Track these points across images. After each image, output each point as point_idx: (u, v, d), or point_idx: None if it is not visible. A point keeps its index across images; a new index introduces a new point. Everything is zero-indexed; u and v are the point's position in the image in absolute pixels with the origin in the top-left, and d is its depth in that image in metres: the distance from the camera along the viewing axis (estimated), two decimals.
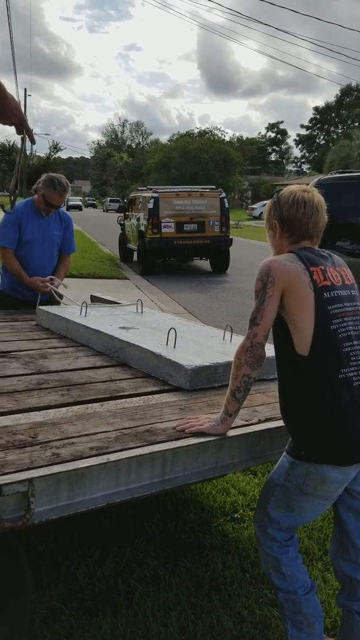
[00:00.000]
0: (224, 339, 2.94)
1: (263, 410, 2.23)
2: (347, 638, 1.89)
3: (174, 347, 2.66)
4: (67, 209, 52.25)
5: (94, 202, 71.34)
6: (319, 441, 1.75)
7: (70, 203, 50.56)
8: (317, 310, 1.76)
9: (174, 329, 2.71)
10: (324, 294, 1.78)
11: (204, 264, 14.57)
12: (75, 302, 3.66)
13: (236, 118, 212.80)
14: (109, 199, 59.46)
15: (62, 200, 3.82)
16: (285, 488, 1.84)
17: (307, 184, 2.36)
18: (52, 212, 3.88)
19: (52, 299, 3.85)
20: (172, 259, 14.16)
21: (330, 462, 1.74)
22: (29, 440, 1.79)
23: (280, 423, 2.10)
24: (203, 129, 61.01)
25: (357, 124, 60.55)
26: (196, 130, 59.98)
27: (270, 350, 2.80)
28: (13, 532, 1.59)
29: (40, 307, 3.59)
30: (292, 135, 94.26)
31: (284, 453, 1.89)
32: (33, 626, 2.03)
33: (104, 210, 54.93)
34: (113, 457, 1.70)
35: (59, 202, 3.82)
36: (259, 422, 2.10)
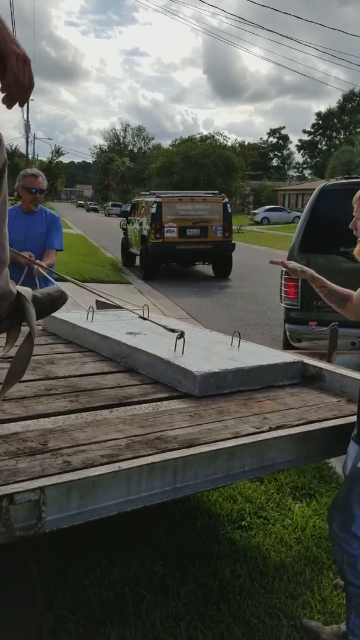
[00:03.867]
0: (231, 344, 2.92)
1: (274, 417, 2.20)
2: None
3: (182, 353, 2.65)
4: (87, 210, 58.92)
5: (96, 206, 71.39)
6: None
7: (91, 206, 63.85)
8: None
9: (182, 335, 2.69)
10: None
11: (207, 268, 14.56)
12: (82, 306, 3.65)
13: (241, 123, 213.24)
14: (110, 203, 59.51)
15: (40, 182, 4.06)
16: None
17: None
18: (39, 200, 4.09)
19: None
20: (174, 263, 14.16)
21: None
22: (40, 447, 1.77)
23: (292, 431, 2.09)
24: (205, 134, 61.10)
25: (359, 129, 60.66)
26: (198, 136, 60.02)
27: (279, 357, 2.80)
28: (24, 541, 1.57)
29: None
30: (295, 140, 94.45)
31: (352, 444, 1.96)
32: (41, 635, 2.01)
33: (105, 215, 55.00)
34: (124, 465, 1.68)
35: (39, 184, 4.06)
36: (270, 429, 2.08)
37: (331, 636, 2.07)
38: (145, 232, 13.29)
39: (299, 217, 5.56)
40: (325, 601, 2.35)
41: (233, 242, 13.69)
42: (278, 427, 2.10)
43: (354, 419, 2.21)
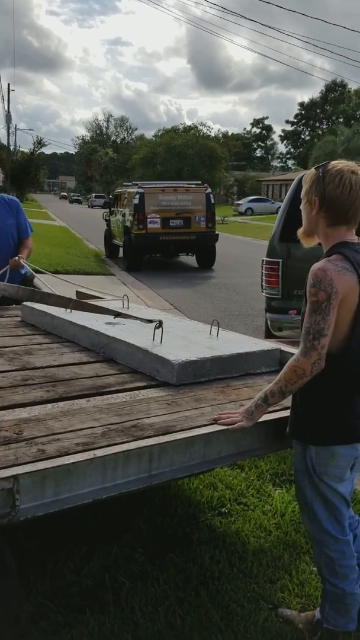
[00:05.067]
0: (210, 333, 2.93)
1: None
2: None
3: (161, 342, 2.65)
4: (71, 202, 60.12)
5: (79, 198, 70.88)
6: (329, 424, 1.90)
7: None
8: (356, 315, 1.82)
9: (161, 324, 2.69)
10: None
11: (190, 259, 14.55)
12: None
13: (225, 113, 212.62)
14: (94, 194, 59.09)
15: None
16: (309, 475, 1.95)
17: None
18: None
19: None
20: (158, 254, 14.13)
21: (338, 442, 1.90)
22: (14, 436, 1.77)
23: (267, 417, 2.11)
24: (189, 124, 60.86)
25: (341, 119, 60.85)
26: (181, 126, 59.73)
27: (257, 345, 2.81)
28: None
29: (25, 303, 3.55)
30: (279, 131, 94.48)
31: (294, 442, 2.00)
32: (20, 624, 2.01)
33: (89, 207, 54.64)
34: (100, 452, 1.68)
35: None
36: None
37: (306, 623, 2.10)
38: (128, 223, 13.24)
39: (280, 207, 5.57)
40: (303, 584, 2.38)
41: (216, 232, 13.69)
42: None
43: None
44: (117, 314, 3.14)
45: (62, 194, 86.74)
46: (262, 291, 5.42)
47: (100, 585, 2.27)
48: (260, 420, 2.07)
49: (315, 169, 1.91)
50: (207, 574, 2.39)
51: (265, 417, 2.10)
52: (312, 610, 2.19)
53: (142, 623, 2.07)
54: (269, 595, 2.30)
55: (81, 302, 3.36)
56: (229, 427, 1.94)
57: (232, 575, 2.39)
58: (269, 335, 5.36)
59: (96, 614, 2.10)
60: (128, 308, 3.55)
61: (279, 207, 6.13)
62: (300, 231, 2.01)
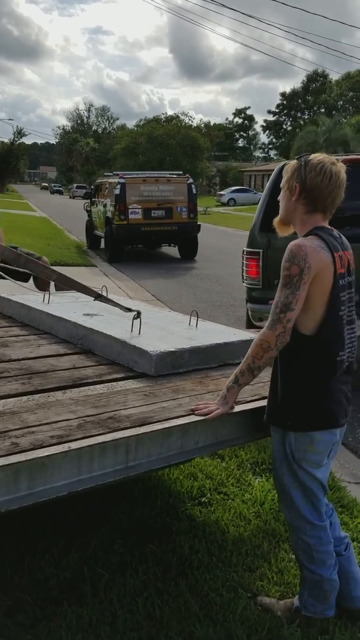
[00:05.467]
0: (189, 324, 2.92)
1: None
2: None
3: (139, 333, 2.63)
4: (52, 193, 60.12)
5: (60, 188, 70.16)
6: (308, 410, 1.91)
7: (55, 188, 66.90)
8: (331, 296, 1.84)
9: (139, 315, 2.67)
10: (340, 281, 1.86)
11: (172, 250, 14.51)
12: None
13: (207, 103, 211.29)
14: (75, 185, 58.56)
15: None
16: (287, 462, 1.96)
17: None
18: None
19: None
20: (139, 245, 14.06)
21: (318, 428, 1.92)
22: None
23: (246, 407, 2.11)
24: (171, 114, 60.50)
25: (322, 110, 60.98)
26: (163, 116, 59.37)
27: (236, 335, 2.81)
28: None
29: (1, 295, 3.51)
30: (261, 121, 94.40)
31: (272, 429, 2.01)
32: None
33: (70, 197, 54.14)
34: (75, 445, 1.67)
35: None
36: None
37: (285, 611, 2.12)
38: (109, 214, 13.14)
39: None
40: (282, 572, 2.40)
41: (198, 223, 13.65)
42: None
43: None
44: (98, 295, 3.12)
45: (43, 184, 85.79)
46: (243, 281, 5.42)
47: (78, 578, 2.26)
48: (238, 409, 2.07)
49: (297, 159, 1.97)
50: (186, 564, 2.39)
51: (243, 407, 2.11)
52: (291, 597, 2.21)
53: (121, 614, 2.07)
54: (248, 583, 2.31)
55: (65, 277, 3.30)
56: (207, 417, 1.94)
57: (212, 564, 2.40)
58: (250, 325, 5.37)
59: (74, 606, 2.09)
60: (107, 298, 3.52)
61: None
62: (276, 220, 2.04)
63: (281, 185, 1.99)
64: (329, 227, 1.95)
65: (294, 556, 2.48)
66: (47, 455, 1.60)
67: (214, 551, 2.49)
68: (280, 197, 2.00)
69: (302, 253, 1.78)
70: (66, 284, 3.21)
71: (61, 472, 1.65)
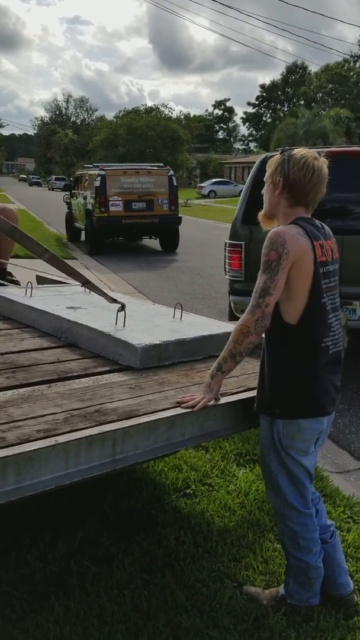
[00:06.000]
0: (174, 317, 2.92)
1: None
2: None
3: (124, 326, 2.63)
4: (30, 185, 59.21)
5: (39, 180, 69.33)
6: (295, 398, 1.93)
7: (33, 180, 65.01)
8: (313, 284, 1.87)
9: (123, 307, 2.66)
10: (321, 269, 1.89)
11: (154, 243, 14.47)
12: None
13: (187, 94, 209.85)
14: (54, 177, 57.91)
15: None
16: (275, 449, 1.98)
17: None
18: None
19: None
20: (120, 238, 13.99)
21: (305, 415, 1.94)
22: None
23: (231, 398, 2.12)
24: (150, 105, 60.14)
25: (302, 102, 61.15)
26: (143, 108, 58.94)
27: (220, 327, 2.82)
28: None
29: None
30: (241, 113, 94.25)
31: (261, 417, 2.02)
32: None
33: (49, 189, 53.56)
34: (61, 439, 1.66)
35: None
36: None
37: (270, 600, 2.14)
38: (89, 206, 13.03)
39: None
40: (267, 562, 2.43)
41: (179, 215, 13.62)
42: None
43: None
44: (87, 281, 3.10)
45: (22, 176, 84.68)
46: (226, 274, 5.43)
47: (65, 571, 2.26)
48: (223, 401, 2.08)
49: (280, 153, 1.98)
50: (172, 555, 2.40)
51: (229, 399, 2.12)
52: (276, 587, 2.23)
53: (108, 606, 2.07)
54: (234, 573, 2.33)
55: (56, 258, 3.27)
56: (193, 408, 1.95)
57: (197, 555, 2.42)
58: (232, 317, 5.38)
59: (61, 599, 2.09)
60: (90, 292, 3.50)
61: (242, 189, 6.12)
62: (260, 214, 2.07)
63: (265, 179, 2.02)
64: (311, 218, 1.99)
65: (279, 545, 2.52)
66: (34, 450, 1.59)
67: (200, 542, 2.51)
68: (264, 191, 2.03)
69: (280, 239, 1.82)
70: (56, 265, 3.18)
71: (48, 466, 1.64)
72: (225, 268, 5.43)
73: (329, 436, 3.93)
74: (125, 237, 14.05)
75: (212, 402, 2.00)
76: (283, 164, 1.92)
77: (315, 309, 1.89)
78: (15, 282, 3.87)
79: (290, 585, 2.10)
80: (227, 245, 5.33)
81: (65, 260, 3.42)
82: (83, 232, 14.03)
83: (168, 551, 2.42)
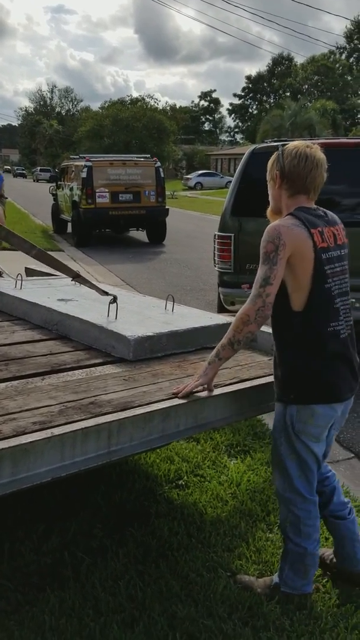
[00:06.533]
0: (165, 309, 2.92)
1: None
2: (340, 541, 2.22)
3: (115, 318, 2.62)
4: (15, 176, 58.35)
5: (24, 171, 68.61)
6: (309, 384, 1.96)
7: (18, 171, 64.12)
8: (315, 271, 1.91)
9: (115, 299, 2.65)
10: (322, 255, 1.93)
11: (141, 234, 14.41)
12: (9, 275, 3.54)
13: (173, 85, 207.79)
14: (39, 168, 57.36)
15: None
16: (287, 433, 2.00)
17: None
18: None
19: None
20: (107, 230, 13.91)
21: (319, 401, 1.97)
22: None
23: (225, 390, 2.13)
24: (136, 96, 59.74)
25: (288, 93, 61.13)
26: (128, 99, 58.57)
27: (212, 319, 2.82)
28: None
29: None
30: (227, 104, 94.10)
31: (276, 402, 2.05)
32: None
33: (34, 180, 53.07)
34: (57, 431, 1.66)
35: None
36: (203, 389, 2.10)
37: (264, 588, 2.17)
38: (76, 198, 12.94)
39: (231, 182, 5.54)
40: (260, 552, 2.45)
41: (167, 207, 13.58)
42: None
43: None
44: (77, 275, 3.08)
45: (6, 167, 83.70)
46: (215, 265, 5.43)
47: (59, 563, 2.26)
48: (217, 392, 2.09)
49: (275, 153, 2.06)
50: (166, 546, 2.41)
51: (222, 390, 2.13)
52: (270, 575, 2.26)
53: (103, 597, 2.08)
54: (227, 563, 2.35)
55: (44, 253, 3.24)
56: (190, 394, 1.99)
57: (191, 545, 2.43)
58: (221, 309, 5.39)
59: (56, 590, 2.09)
60: (80, 285, 3.49)
61: (228, 181, 6.13)
62: (268, 211, 2.13)
63: (267, 179, 2.09)
64: (314, 206, 2.02)
65: (271, 535, 2.55)
66: (30, 442, 1.59)
67: (193, 532, 2.52)
68: (268, 188, 2.10)
69: (275, 232, 1.89)
70: (44, 261, 3.16)
71: (44, 458, 1.64)
72: (214, 260, 5.43)
73: None
74: (112, 229, 13.99)
75: (204, 390, 2.02)
76: (278, 158, 2.00)
77: (320, 294, 1.93)
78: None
79: (285, 572, 2.12)
80: (216, 237, 5.33)
81: (53, 255, 3.38)
82: (69, 224, 13.94)
83: (162, 542, 2.43)
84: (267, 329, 2.80)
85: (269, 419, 3.81)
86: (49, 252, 3.46)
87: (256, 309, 1.89)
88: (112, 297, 2.68)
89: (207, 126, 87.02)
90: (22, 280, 3.27)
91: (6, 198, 4.22)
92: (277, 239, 1.87)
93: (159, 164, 13.54)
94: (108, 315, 2.63)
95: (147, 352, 2.41)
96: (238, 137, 78.43)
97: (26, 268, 4.24)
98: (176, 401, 1.96)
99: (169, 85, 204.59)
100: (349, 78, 59.22)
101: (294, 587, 2.11)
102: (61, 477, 1.69)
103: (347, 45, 60.82)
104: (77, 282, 3.32)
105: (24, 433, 1.63)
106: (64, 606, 2.03)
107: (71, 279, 3.08)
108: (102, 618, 1.99)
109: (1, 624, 1.95)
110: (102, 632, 1.93)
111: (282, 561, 2.15)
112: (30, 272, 4.15)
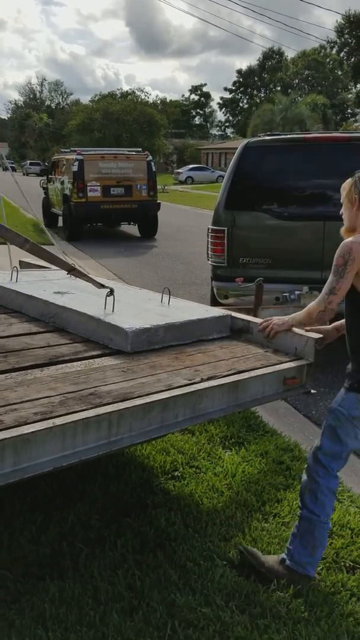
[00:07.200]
0: (161, 301, 2.94)
1: (205, 369, 2.26)
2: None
3: (113, 310, 2.63)
4: (4, 170, 56.90)
5: (13, 165, 68.05)
6: None
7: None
8: None
9: (112, 292, 2.66)
10: None
11: (132, 229, 14.39)
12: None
13: (164, 79, 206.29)
14: (29, 161, 56.91)
15: None
16: (339, 413, 2.16)
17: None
18: None
19: None
20: (99, 223, 13.88)
21: None
22: None
23: (222, 381, 2.16)
24: (126, 89, 59.42)
25: (279, 88, 61.06)
26: (119, 92, 58.20)
27: (208, 312, 2.84)
28: None
29: None
30: (217, 98, 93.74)
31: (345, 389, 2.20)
32: None
33: (24, 174, 52.68)
34: (59, 421, 1.67)
35: None
36: (202, 380, 2.13)
37: (271, 560, 2.26)
38: (67, 192, 12.88)
39: (222, 176, 5.55)
40: (256, 541, 2.48)
41: (158, 201, 13.56)
42: (209, 378, 2.16)
43: (280, 367, 2.34)
44: (72, 268, 3.09)
45: None
46: (208, 259, 5.45)
47: (58, 553, 2.28)
48: (214, 384, 2.12)
49: (351, 178, 2.24)
50: (163, 536, 2.44)
51: (220, 381, 2.15)
52: None
53: (102, 586, 2.10)
54: (224, 552, 2.38)
55: (38, 247, 3.24)
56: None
57: (188, 535, 2.46)
58: (215, 302, 5.41)
59: (56, 580, 2.11)
60: (76, 278, 3.49)
61: (219, 175, 6.13)
62: (342, 229, 2.29)
63: (341, 200, 2.26)
64: None
65: (266, 525, 2.58)
66: (32, 432, 1.60)
67: (190, 523, 2.55)
68: (342, 211, 2.28)
69: (347, 248, 2.11)
70: (38, 255, 3.15)
71: (46, 448, 1.65)
72: (207, 254, 5.45)
73: (311, 419, 4.01)
74: (104, 223, 13.96)
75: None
76: (355, 184, 2.20)
77: None
78: None
79: (294, 544, 2.20)
80: (209, 231, 5.34)
81: (46, 248, 3.37)
82: (60, 218, 13.88)
83: (159, 532, 2.46)
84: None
85: (262, 412, 3.85)
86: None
87: (318, 311, 2.22)
88: (108, 290, 2.69)
89: (197, 120, 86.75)
90: (17, 272, 3.26)
91: None
92: (347, 254, 2.09)
93: (150, 157, 13.51)
94: (105, 308, 2.64)
95: (145, 344, 2.43)
96: (229, 131, 78.26)
97: (20, 261, 4.23)
98: (175, 392, 1.98)
99: (160, 79, 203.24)
100: (339, 73, 59.21)
101: (299, 562, 2.17)
102: (62, 466, 1.71)
103: (338, 39, 60.67)
104: (72, 275, 3.31)
105: (26, 423, 1.64)
106: (63, 595, 2.05)
107: (66, 272, 3.08)
108: (101, 607, 2.01)
109: (1, 613, 1.96)
110: (102, 620, 1.95)
111: (293, 536, 2.23)
112: (24, 265, 4.15)
